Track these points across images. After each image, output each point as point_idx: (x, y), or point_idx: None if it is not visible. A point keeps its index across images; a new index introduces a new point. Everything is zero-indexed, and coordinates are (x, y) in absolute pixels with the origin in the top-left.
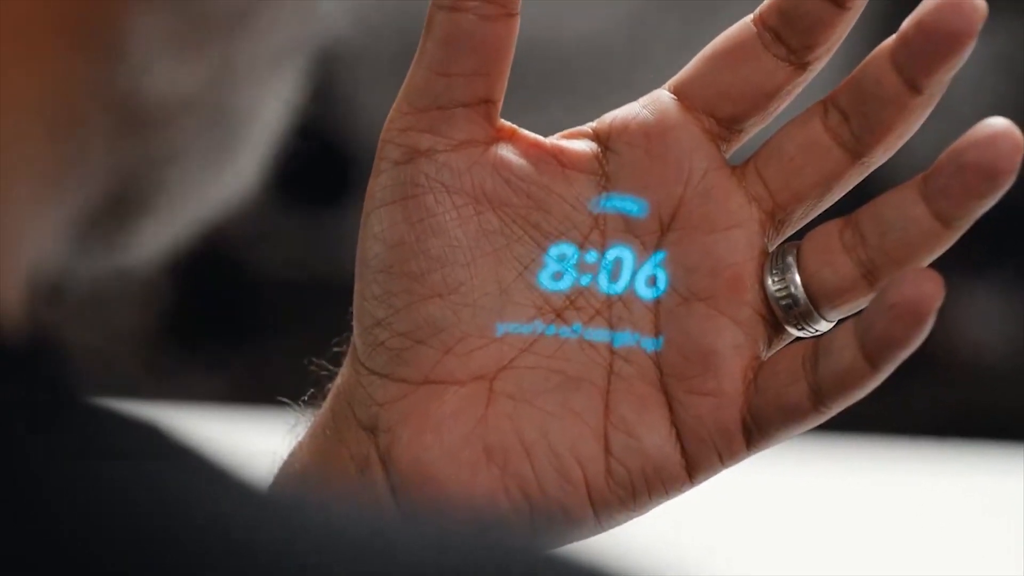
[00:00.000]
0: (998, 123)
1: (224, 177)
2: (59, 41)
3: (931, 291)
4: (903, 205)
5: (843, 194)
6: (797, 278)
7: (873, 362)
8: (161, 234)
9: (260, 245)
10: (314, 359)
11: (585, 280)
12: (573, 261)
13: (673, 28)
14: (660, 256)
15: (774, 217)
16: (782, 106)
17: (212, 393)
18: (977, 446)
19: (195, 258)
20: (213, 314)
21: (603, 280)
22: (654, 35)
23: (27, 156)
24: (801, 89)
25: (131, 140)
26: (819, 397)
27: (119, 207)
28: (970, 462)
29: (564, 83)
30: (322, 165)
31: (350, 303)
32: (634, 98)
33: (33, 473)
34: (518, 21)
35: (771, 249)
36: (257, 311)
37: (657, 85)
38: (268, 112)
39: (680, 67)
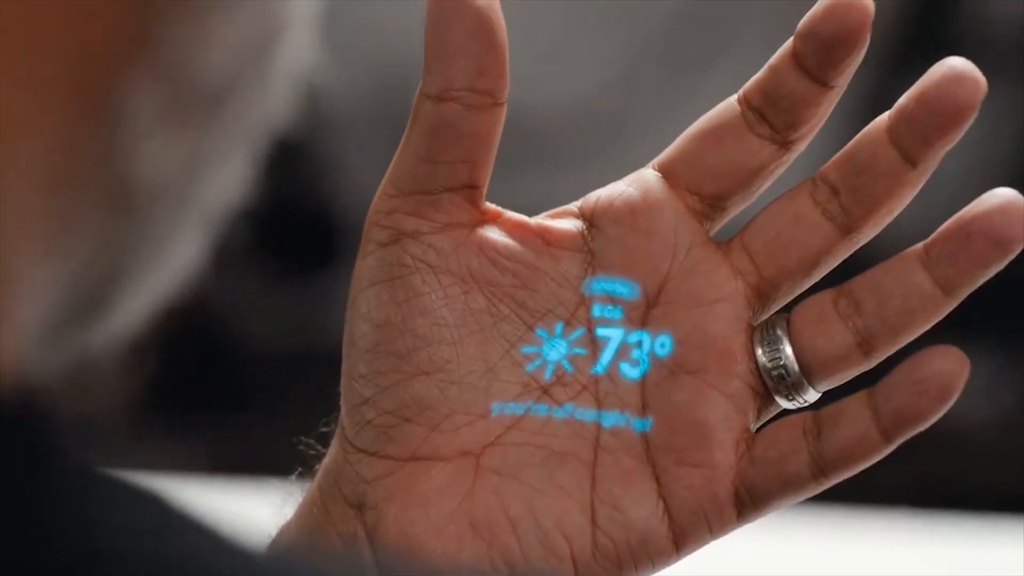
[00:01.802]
0: (1006, 192)
1: (187, 258)
2: (61, 107)
3: (959, 368)
4: (903, 273)
5: (829, 270)
6: (788, 349)
7: (887, 434)
8: (130, 314)
9: (245, 315)
10: (299, 430)
11: (573, 355)
12: (560, 338)
13: (653, 98)
14: (646, 333)
15: (759, 291)
16: (766, 185)
17: (198, 463)
18: (947, 517)
19: (179, 328)
20: (198, 384)
21: (590, 357)
22: (633, 104)
23: (23, 221)
24: (785, 168)
25: (123, 210)
26: (820, 467)
27: (108, 276)
28: (941, 533)
29: (542, 151)
30: (308, 235)
31: (335, 372)
32: (612, 166)
33: (36, 538)
34: (504, 109)
35: (756, 324)
36: (242, 381)
37: (636, 154)
38: (230, 193)
39: (660, 137)
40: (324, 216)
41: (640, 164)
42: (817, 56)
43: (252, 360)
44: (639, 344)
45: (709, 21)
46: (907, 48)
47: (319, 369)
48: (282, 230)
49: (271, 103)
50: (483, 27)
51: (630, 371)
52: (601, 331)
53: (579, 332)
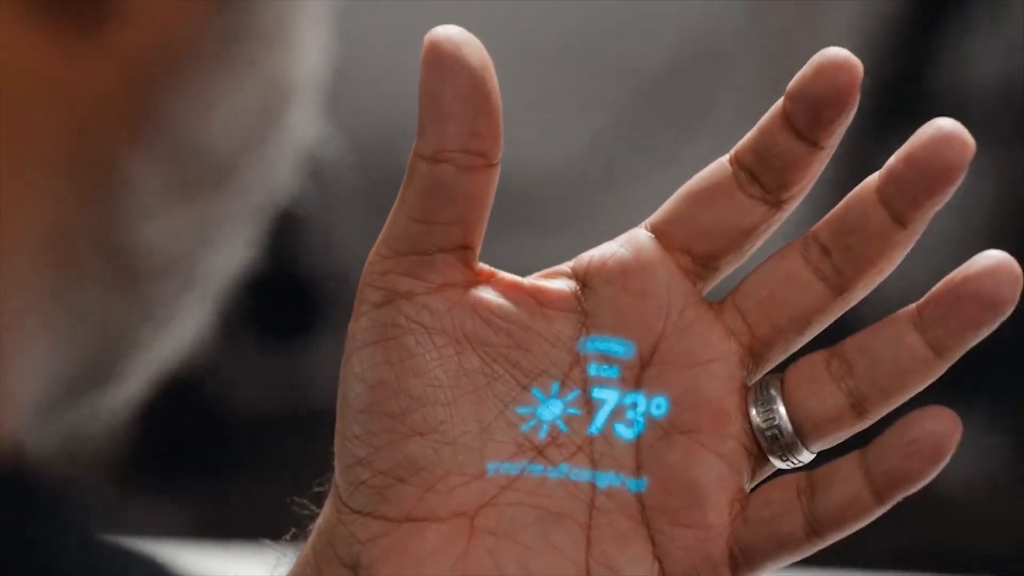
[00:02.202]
0: (996, 255)
1: (191, 330)
2: (59, 184)
3: (950, 428)
4: (895, 335)
5: (822, 329)
6: (782, 409)
7: (880, 496)
8: (132, 385)
9: (230, 380)
10: (286, 493)
11: (568, 416)
12: (555, 399)
13: (638, 159)
14: (641, 395)
15: (752, 351)
16: (758, 244)
17: (186, 528)
18: None
19: (164, 393)
20: (183, 448)
21: (585, 417)
22: (618, 168)
23: (22, 295)
24: (776, 227)
25: (125, 284)
26: (815, 528)
27: (103, 356)
28: None
29: (528, 214)
30: (289, 299)
31: (318, 435)
32: (597, 230)
33: None
34: (498, 170)
35: (750, 383)
36: (227, 445)
37: (621, 218)
38: (233, 266)
39: (644, 200)
40: (307, 281)
41: (626, 225)
42: (807, 117)
43: (237, 424)
44: (634, 405)
45: (693, 82)
46: (884, 111)
47: (303, 433)
48: (264, 295)
49: (275, 176)
50: (477, 89)
51: (625, 432)
52: (597, 392)
53: (574, 393)
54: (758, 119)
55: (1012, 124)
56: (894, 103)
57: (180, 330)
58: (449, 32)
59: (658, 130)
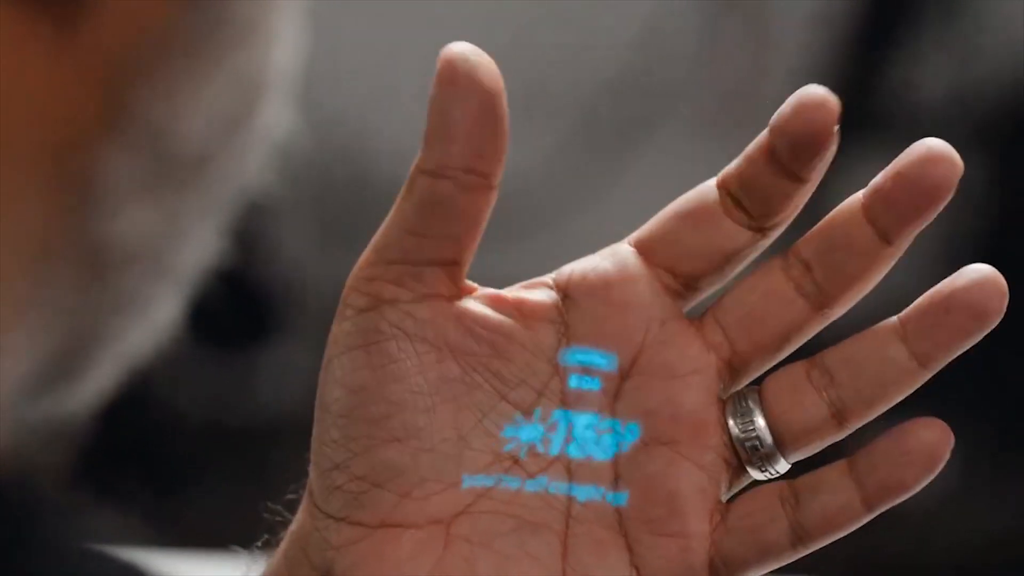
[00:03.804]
0: (982, 268)
1: (162, 321)
2: (36, 176)
3: (944, 438)
4: (878, 346)
5: (800, 344)
6: (761, 420)
7: (870, 504)
8: (102, 377)
9: (177, 387)
10: (247, 499)
11: (547, 439)
12: (536, 425)
13: (595, 173)
14: (617, 422)
15: (731, 365)
16: (739, 268)
17: (147, 536)
18: None
19: (114, 400)
20: (130, 457)
21: (565, 429)
22: (575, 179)
23: (1, 287)
24: (759, 253)
25: (97, 275)
26: (800, 536)
27: (74, 349)
28: None
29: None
30: (239, 307)
31: (264, 447)
32: (557, 240)
33: None
34: (496, 192)
35: (725, 396)
36: (177, 453)
37: (578, 229)
38: (204, 256)
39: (604, 212)
40: (253, 288)
41: (581, 238)
42: (788, 153)
43: (194, 432)
44: (611, 430)
45: (645, 96)
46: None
47: (263, 442)
48: (217, 302)
49: (246, 170)
50: (487, 113)
51: (601, 454)
52: (574, 416)
53: (554, 417)
54: (708, 136)
55: (966, 136)
56: (847, 117)
57: (149, 322)
58: (465, 51)
59: (609, 145)
